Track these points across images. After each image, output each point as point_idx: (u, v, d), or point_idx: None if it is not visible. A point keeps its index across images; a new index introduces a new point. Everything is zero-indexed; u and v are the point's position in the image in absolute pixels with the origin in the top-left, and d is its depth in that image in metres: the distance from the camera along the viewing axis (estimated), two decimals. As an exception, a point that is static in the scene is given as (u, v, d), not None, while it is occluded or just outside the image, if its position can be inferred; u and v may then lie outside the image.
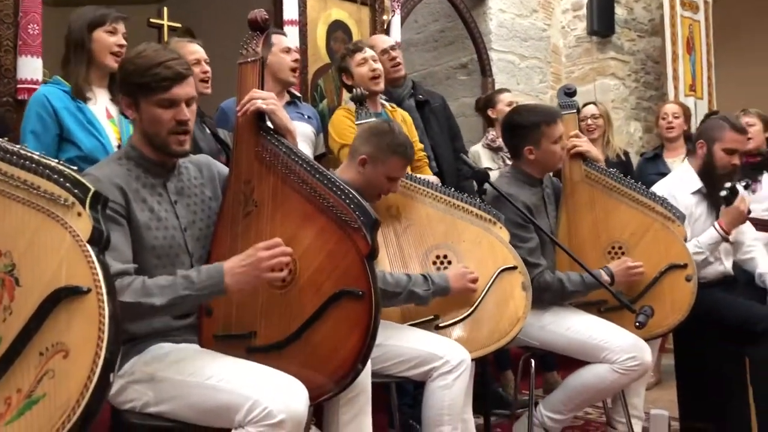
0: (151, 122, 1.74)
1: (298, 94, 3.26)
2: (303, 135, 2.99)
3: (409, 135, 3.21)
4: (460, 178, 3.48)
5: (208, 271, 1.65)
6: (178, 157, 1.83)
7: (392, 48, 3.46)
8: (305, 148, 2.99)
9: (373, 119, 2.51)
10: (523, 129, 2.65)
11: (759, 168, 3.86)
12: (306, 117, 3.11)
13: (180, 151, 1.79)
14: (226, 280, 1.63)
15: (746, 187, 3.72)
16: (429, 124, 3.52)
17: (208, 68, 2.78)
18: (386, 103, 3.22)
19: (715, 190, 2.89)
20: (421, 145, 3.29)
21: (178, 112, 1.73)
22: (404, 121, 3.21)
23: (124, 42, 2.42)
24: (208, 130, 2.79)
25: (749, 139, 3.81)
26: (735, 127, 2.94)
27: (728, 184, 2.82)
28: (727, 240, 2.86)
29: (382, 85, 3.12)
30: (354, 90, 2.75)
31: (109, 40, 2.39)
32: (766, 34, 6.97)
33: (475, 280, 2.32)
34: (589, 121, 4.17)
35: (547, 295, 2.55)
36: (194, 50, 2.75)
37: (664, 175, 3.59)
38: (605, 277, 2.53)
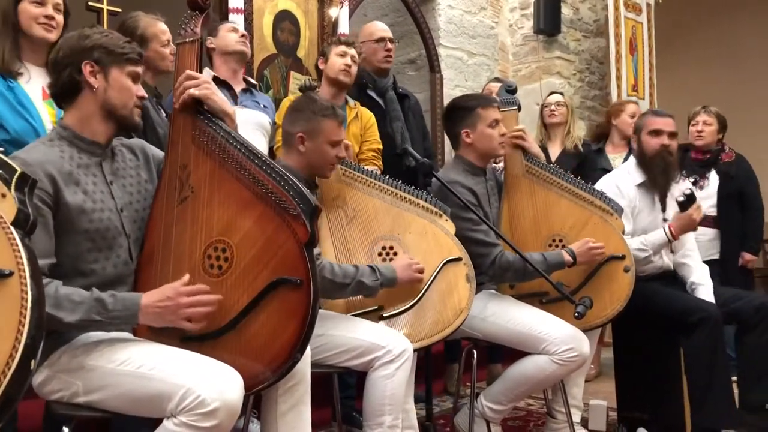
0: (122, 91, 1.76)
1: (254, 82, 3.20)
2: (257, 124, 2.94)
3: (369, 134, 3.19)
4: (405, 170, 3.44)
5: (124, 301, 1.61)
6: (135, 129, 1.85)
7: (390, 40, 3.48)
8: (259, 137, 2.93)
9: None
10: (460, 112, 2.71)
11: (707, 165, 3.98)
12: (262, 106, 3.05)
13: (138, 123, 1.82)
14: (139, 317, 1.61)
15: (694, 184, 3.84)
16: (408, 119, 3.53)
17: None
18: (350, 100, 3.20)
19: (653, 175, 2.97)
20: (378, 145, 3.22)
21: (138, 89, 1.80)
22: (359, 117, 3.17)
23: (51, 13, 2.28)
24: (164, 114, 2.72)
25: (699, 134, 3.95)
26: (656, 113, 3.09)
27: (687, 191, 2.90)
28: (671, 243, 2.94)
29: (349, 81, 3.12)
30: (304, 81, 2.73)
31: (35, 10, 2.26)
32: (706, 37, 7.19)
33: (421, 271, 2.32)
34: (552, 107, 4.19)
35: (509, 275, 2.57)
36: (166, 29, 2.72)
37: (605, 170, 3.66)
38: (567, 257, 2.56)
